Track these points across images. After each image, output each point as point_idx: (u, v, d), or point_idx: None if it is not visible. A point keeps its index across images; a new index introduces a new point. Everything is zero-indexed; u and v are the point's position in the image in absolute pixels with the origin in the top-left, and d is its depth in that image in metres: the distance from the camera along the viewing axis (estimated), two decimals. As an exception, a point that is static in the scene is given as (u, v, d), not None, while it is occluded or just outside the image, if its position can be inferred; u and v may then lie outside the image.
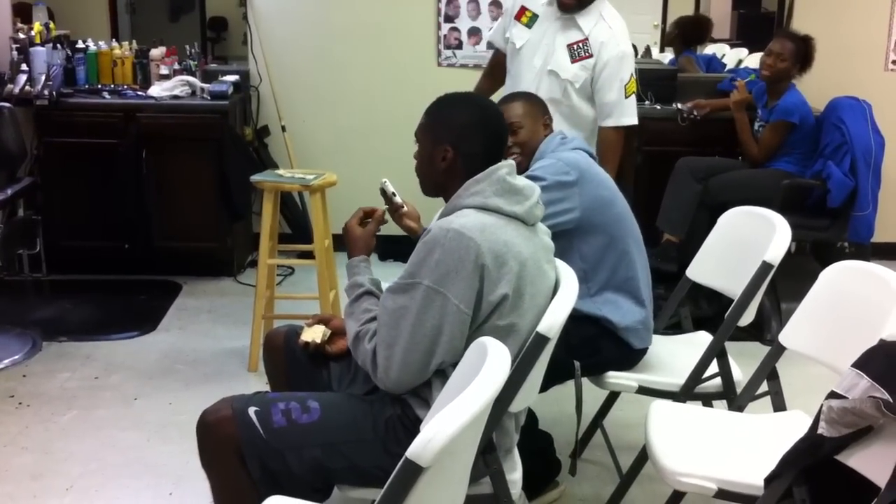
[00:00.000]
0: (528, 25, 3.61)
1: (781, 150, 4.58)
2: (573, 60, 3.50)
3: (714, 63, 6.12)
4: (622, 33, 3.54)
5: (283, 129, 5.43)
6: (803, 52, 4.58)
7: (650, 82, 5.00)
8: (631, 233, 2.81)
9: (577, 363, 2.52)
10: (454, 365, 2.07)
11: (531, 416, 2.93)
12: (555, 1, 3.54)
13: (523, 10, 3.64)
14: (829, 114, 4.57)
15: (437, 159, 2.22)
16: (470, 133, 2.21)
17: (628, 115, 3.55)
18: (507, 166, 2.21)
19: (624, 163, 5.24)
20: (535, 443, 2.95)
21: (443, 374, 2.09)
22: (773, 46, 4.61)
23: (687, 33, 5.97)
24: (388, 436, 2.11)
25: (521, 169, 2.81)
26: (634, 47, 6.18)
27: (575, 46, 3.51)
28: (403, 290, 2.06)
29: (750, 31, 6.45)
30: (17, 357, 4.05)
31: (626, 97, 3.52)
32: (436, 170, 2.24)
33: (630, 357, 2.82)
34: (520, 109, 2.84)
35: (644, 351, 2.84)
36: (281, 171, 4.31)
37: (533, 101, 2.93)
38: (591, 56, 3.50)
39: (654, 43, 6.46)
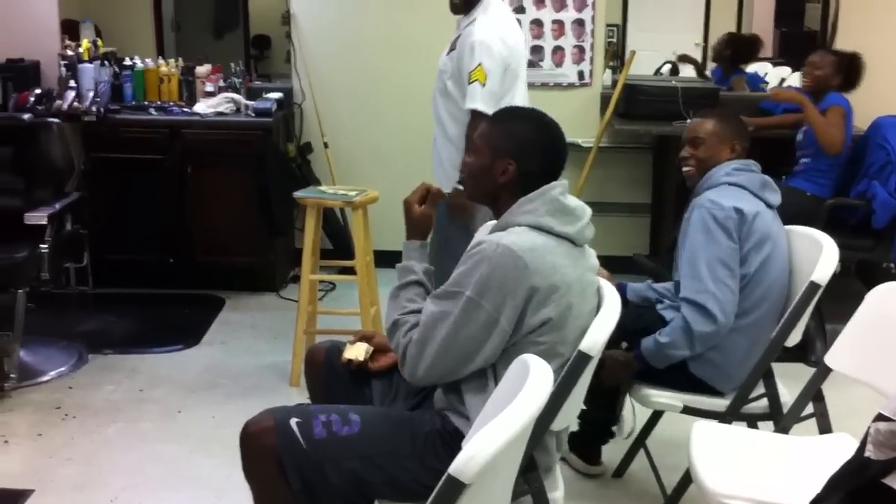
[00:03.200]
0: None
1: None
2: (447, 54, 3.76)
3: (757, 81, 6.09)
4: (481, 26, 3.64)
5: (326, 145, 5.47)
6: (846, 66, 4.53)
7: (691, 100, 4.96)
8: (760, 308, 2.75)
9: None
10: (494, 377, 2.08)
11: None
12: None
13: None
14: (874, 133, 4.52)
15: (497, 171, 2.21)
16: (533, 150, 2.21)
17: (469, 99, 3.61)
18: (560, 186, 2.20)
19: (664, 180, 5.26)
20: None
21: (477, 386, 2.10)
22: (812, 58, 4.60)
23: (738, 52, 6.01)
24: (427, 450, 2.11)
25: (692, 182, 2.88)
26: (674, 64, 6.26)
27: (452, 42, 3.76)
28: (448, 297, 2.08)
29: (792, 49, 6.40)
30: (63, 369, 4.11)
31: (470, 83, 3.60)
32: (492, 181, 2.22)
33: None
34: (709, 126, 2.91)
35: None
36: (323, 188, 4.35)
37: (726, 123, 2.93)
38: (454, 49, 3.72)
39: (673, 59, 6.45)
